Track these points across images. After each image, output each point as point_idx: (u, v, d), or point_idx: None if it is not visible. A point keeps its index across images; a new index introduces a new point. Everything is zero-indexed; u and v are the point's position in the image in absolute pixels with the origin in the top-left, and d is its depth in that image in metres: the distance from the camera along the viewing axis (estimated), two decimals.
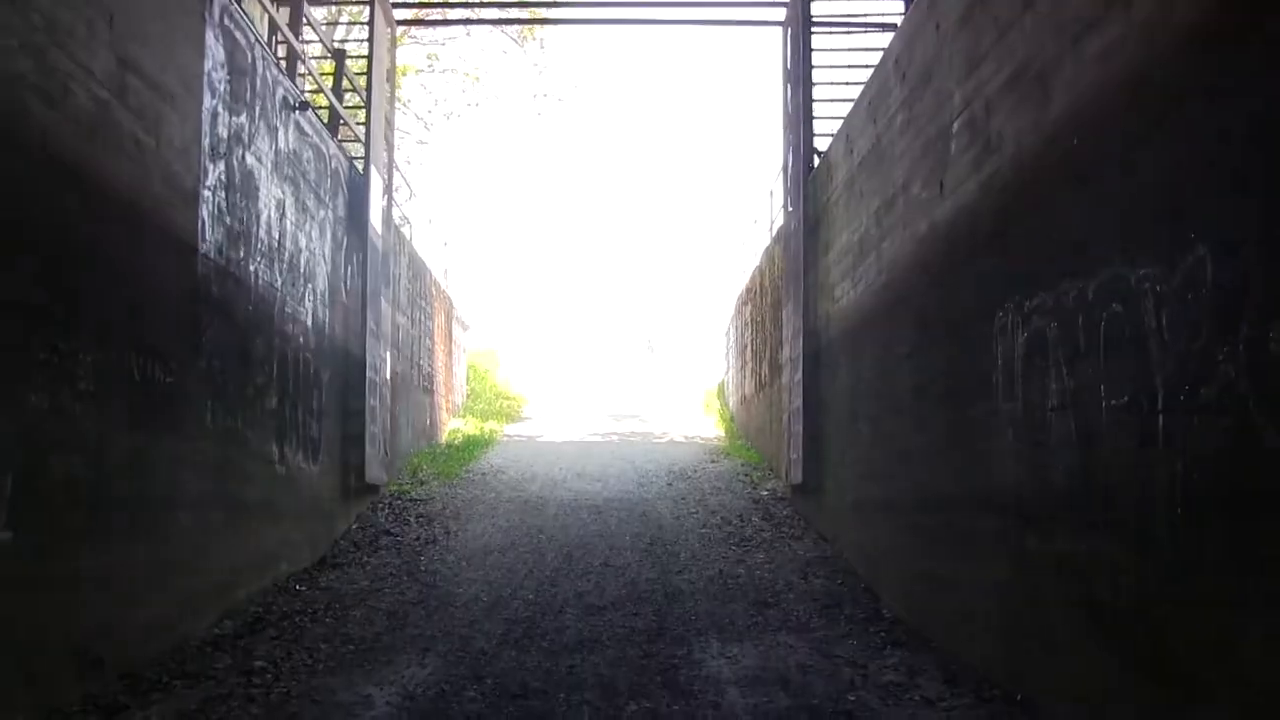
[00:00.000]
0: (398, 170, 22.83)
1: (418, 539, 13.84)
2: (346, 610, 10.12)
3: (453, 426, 26.61)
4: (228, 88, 9.67)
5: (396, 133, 28.90)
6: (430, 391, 23.48)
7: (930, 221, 9.30)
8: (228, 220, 9.64)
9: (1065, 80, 6.60)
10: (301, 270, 12.10)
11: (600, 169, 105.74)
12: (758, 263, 23.08)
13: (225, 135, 9.62)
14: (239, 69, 10.02)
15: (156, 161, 8.15)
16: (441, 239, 28.73)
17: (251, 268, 10.35)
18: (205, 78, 9.14)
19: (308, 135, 12.46)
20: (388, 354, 16.40)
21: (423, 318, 22.21)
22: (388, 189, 16.69)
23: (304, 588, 11.02)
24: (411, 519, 15.15)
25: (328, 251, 13.31)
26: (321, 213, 13.07)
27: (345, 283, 14.19)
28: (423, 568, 12.25)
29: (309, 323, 12.38)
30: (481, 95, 29.32)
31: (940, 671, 7.92)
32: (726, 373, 32.16)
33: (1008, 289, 7.40)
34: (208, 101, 9.18)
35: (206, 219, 9.11)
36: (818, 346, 14.43)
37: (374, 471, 15.06)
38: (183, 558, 8.54)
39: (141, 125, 7.87)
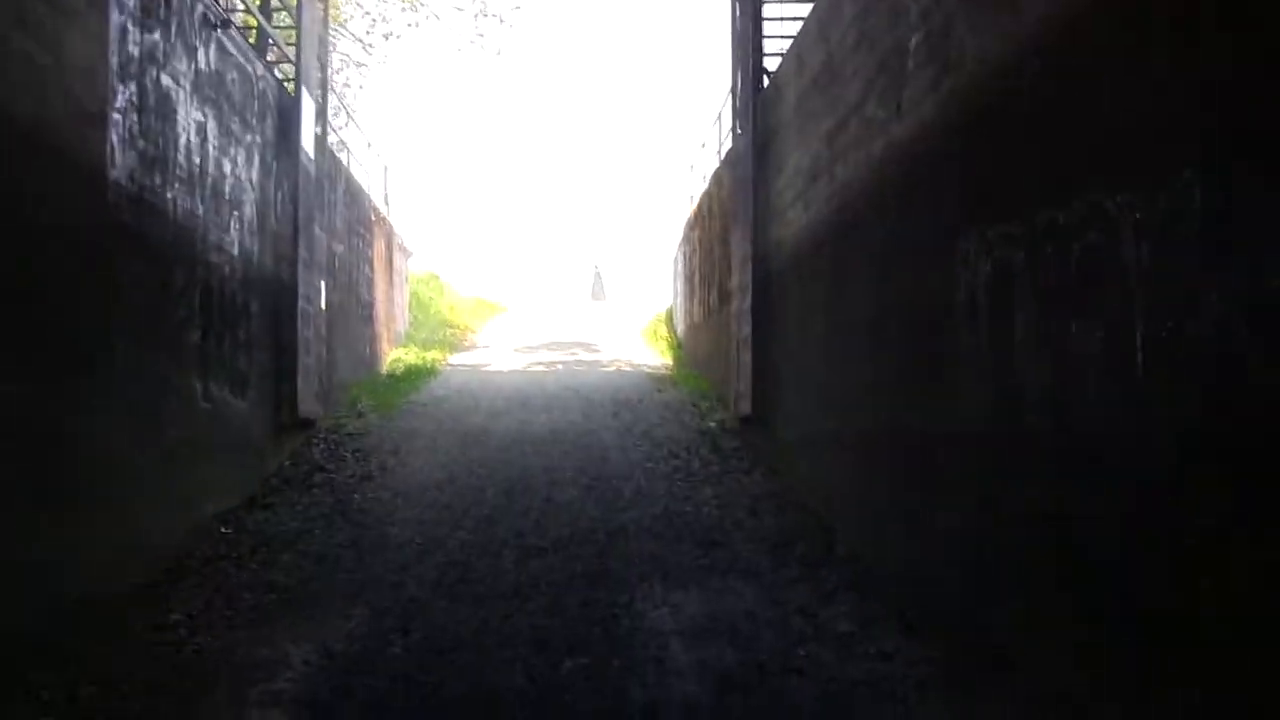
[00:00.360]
0: (334, 94, 22.23)
1: (352, 475, 13.40)
2: (273, 555, 9.74)
3: (395, 356, 26.03)
4: (138, 3, 9.07)
5: (334, 55, 28.37)
6: (370, 320, 22.93)
7: (886, 142, 8.89)
8: (141, 145, 9.06)
9: None
10: (226, 197, 11.54)
11: (547, 94, 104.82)
12: (705, 187, 22.66)
13: (136, 54, 9.01)
14: None
15: (55, 82, 7.59)
16: (382, 164, 28.13)
17: (170, 195, 9.78)
18: None
19: (231, 55, 11.85)
20: (322, 283, 15.88)
21: (361, 245, 21.62)
22: (321, 113, 16.10)
23: (231, 530, 10.59)
24: (347, 454, 14.70)
25: (255, 177, 12.74)
26: (248, 137, 12.49)
27: (275, 210, 13.64)
28: (356, 507, 11.86)
29: (235, 252, 11.83)
30: (421, 17, 28.41)
31: (897, 620, 7.60)
32: (675, 299, 31.72)
33: (971, 215, 7.01)
34: (115, 17, 8.56)
35: (116, 143, 8.54)
36: (768, 273, 14.06)
37: (308, 405, 14.59)
38: (93, 505, 8.04)
39: (36, 42, 7.32)
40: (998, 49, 6.65)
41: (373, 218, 23.39)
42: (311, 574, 9.15)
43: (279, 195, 13.80)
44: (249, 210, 12.40)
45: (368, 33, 28.26)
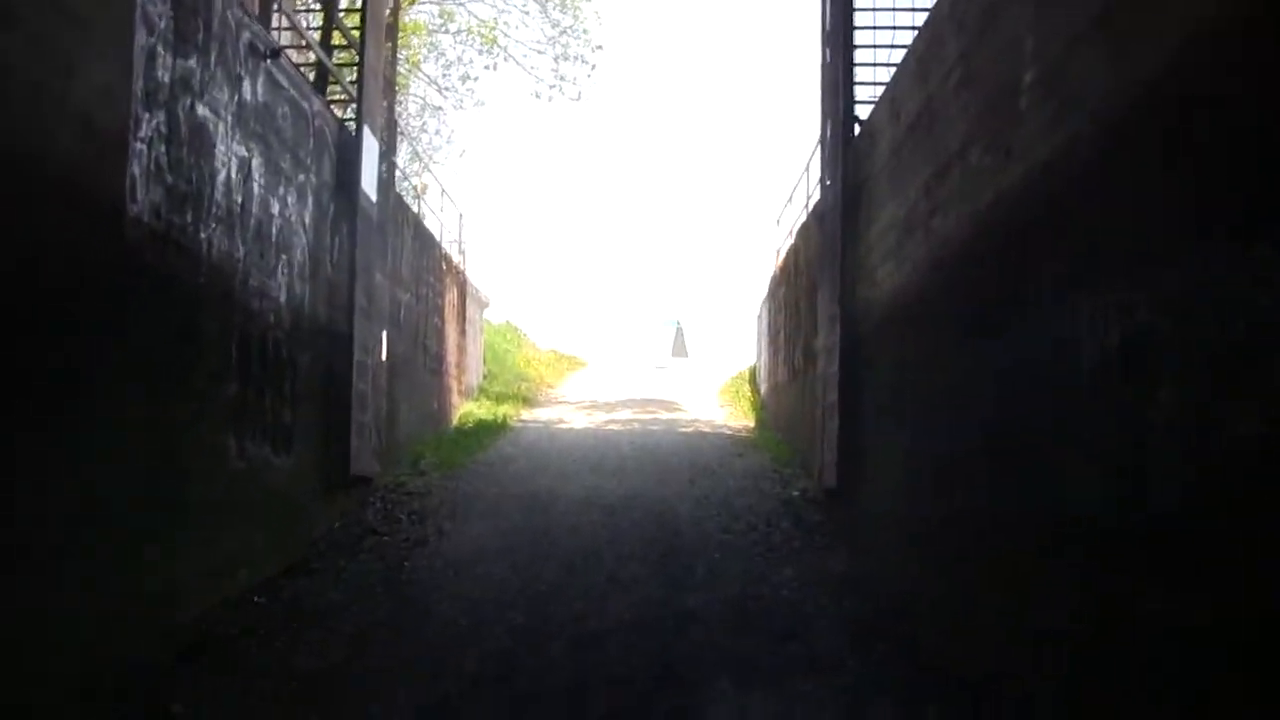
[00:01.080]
0: (405, 137, 21.61)
1: (406, 540, 12.59)
2: (302, 632, 8.88)
3: (466, 410, 25.39)
4: (171, 24, 8.33)
5: (409, 98, 27.87)
6: (439, 373, 22.24)
7: (995, 191, 7.96)
8: (169, 179, 8.31)
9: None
10: (273, 240, 10.82)
11: (629, 143, 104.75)
12: (792, 242, 21.82)
13: (167, 80, 8.28)
14: (187, 4, 8.70)
15: (63, 107, 6.86)
16: (457, 211, 27.52)
17: (203, 235, 9.03)
18: (139, 10, 7.83)
19: (283, 88, 11.17)
20: (384, 333, 15.16)
21: (431, 294, 20.96)
22: (386, 154, 15.43)
23: (264, 600, 9.76)
24: (403, 516, 13.90)
25: (309, 220, 12.04)
26: (301, 176, 11.79)
27: (331, 255, 12.93)
28: (404, 578, 11.01)
29: (282, 299, 11.10)
30: (499, 59, 27.91)
31: None
32: (758, 358, 30.89)
33: (1093, 271, 6.06)
34: (142, 38, 7.86)
35: (139, 176, 7.80)
36: (856, 336, 13.14)
37: (363, 463, 13.83)
38: (92, 576, 7.23)
39: (40, 62, 6.58)
40: (1134, 77, 5.72)
41: (444, 266, 22.76)
42: (340, 658, 8.28)
43: (335, 240, 13.10)
44: (299, 254, 11.68)
45: (444, 74, 27.74)
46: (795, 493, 15.92)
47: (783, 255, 24.03)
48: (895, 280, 11.14)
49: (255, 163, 10.26)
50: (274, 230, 10.84)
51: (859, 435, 12.83)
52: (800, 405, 18.91)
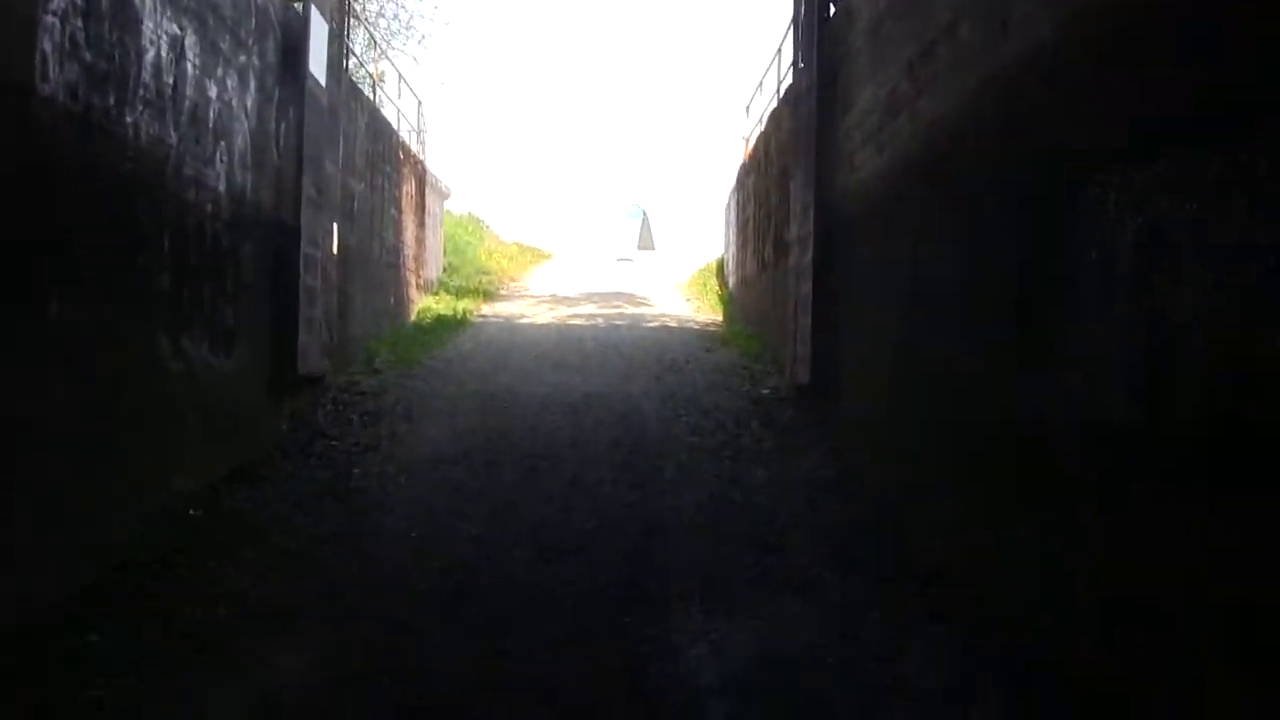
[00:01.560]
0: (358, 21, 20.83)
1: (356, 444, 12.05)
2: (236, 550, 8.29)
3: (425, 305, 24.73)
4: None
5: None
6: (396, 267, 21.55)
7: (988, 70, 7.37)
8: (87, 57, 7.62)
9: None
10: (210, 125, 10.10)
11: (597, 31, 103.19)
12: (762, 128, 21.18)
13: None
14: None
15: None
16: (415, 99, 26.64)
17: (129, 119, 8.33)
18: None
19: None
20: (335, 225, 14.48)
21: (387, 184, 20.21)
22: (338, 35, 14.65)
23: (201, 513, 9.16)
24: (355, 417, 13.37)
25: (251, 104, 11.33)
26: (242, 57, 11.07)
27: (277, 142, 12.25)
28: (353, 485, 10.48)
29: (221, 188, 10.42)
30: None
31: (1006, 671, 6.05)
32: (726, 250, 30.31)
33: (1108, 154, 5.50)
34: None
35: (50, 53, 7.13)
36: (832, 225, 12.59)
37: (313, 362, 13.24)
38: (15, 496, 6.68)
39: None
40: None
41: (401, 155, 22.00)
42: (279, 581, 7.75)
43: (281, 126, 12.41)
44: (241, 141, 10.99)
45: None
46: (766, 390, 15.45)
47: (752, 143, 23.41)
48: (876, 165, 10.57)
49: (189, 41, 9.52)
50: (211, 115, 10.12)
51: (835, 330, 12.33)
52: (771, 299, 18.39)
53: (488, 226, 42.34)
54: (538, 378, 16.56)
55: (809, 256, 13.17)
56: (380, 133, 19.46)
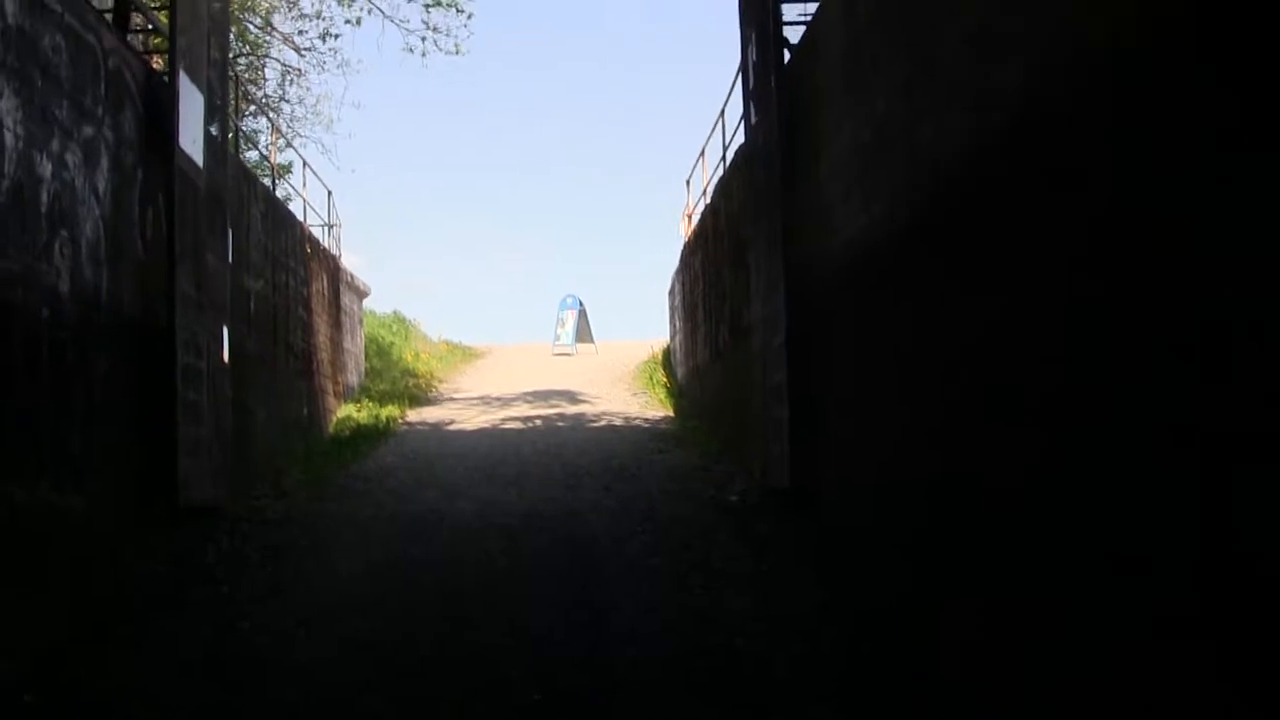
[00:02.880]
0: (250, 101, 19.30)
1: (249, 591, 10.20)
2: None
3: (343, 415, 22.98)
4: None
5: (269, 64, 25.37)
6: (307, 374, 19.80)
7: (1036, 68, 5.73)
8: None
9: None
10: (43, 210, 8.43)
11: (521, 104, 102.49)
12: (707, 201, 19.68)
13: None
14: None
15: None
16: (324, 188, 25.03)
17: None
18: None
19: (53, 11, 8.77)
20: (225, 329, 12.75)
21: (292, 282, 18.50)
22: (220, 109, 12.97)
23: (33, 699, 7.32)
24: (253, 553, 11.51)
25: (103, 187, 9.67)
26: (88, 130, 9.40)
27: (142, 232, 10.59)
28: (234, 649, 8.59)
29: (63, 288, 8.72)
30: (362, 11, 25.11)
31: None
32: (673, 338, 28.82)
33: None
34: None
35: None
36: (807, 299, 10.98)
37: (200, 490, 11.48)
38: None
39: None
40: None
41: (308, 249, 20.29)
42: None
43: (148, 213, 10.76)
44: (91, 230, 9.31)
45: (300, 33, 25.08)
46: (733, 497, 13.75)
47: (696, 219, 21.96)
48: (863, 222, 8.94)
49: (5, 105, 7.87)
50: (44, 197, 8.44)
51: (819, 423, 10.66)
52: (729, 389, 16.80)
53: (414, 326, 40.67)
54: (468, 494, 14.76)
55: (779, 338, 11.56)
56: (282, 224, 17.78)
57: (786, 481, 11.42)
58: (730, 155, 16.99)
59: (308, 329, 19.84)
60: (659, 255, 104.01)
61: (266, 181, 18.25)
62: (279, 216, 17.60)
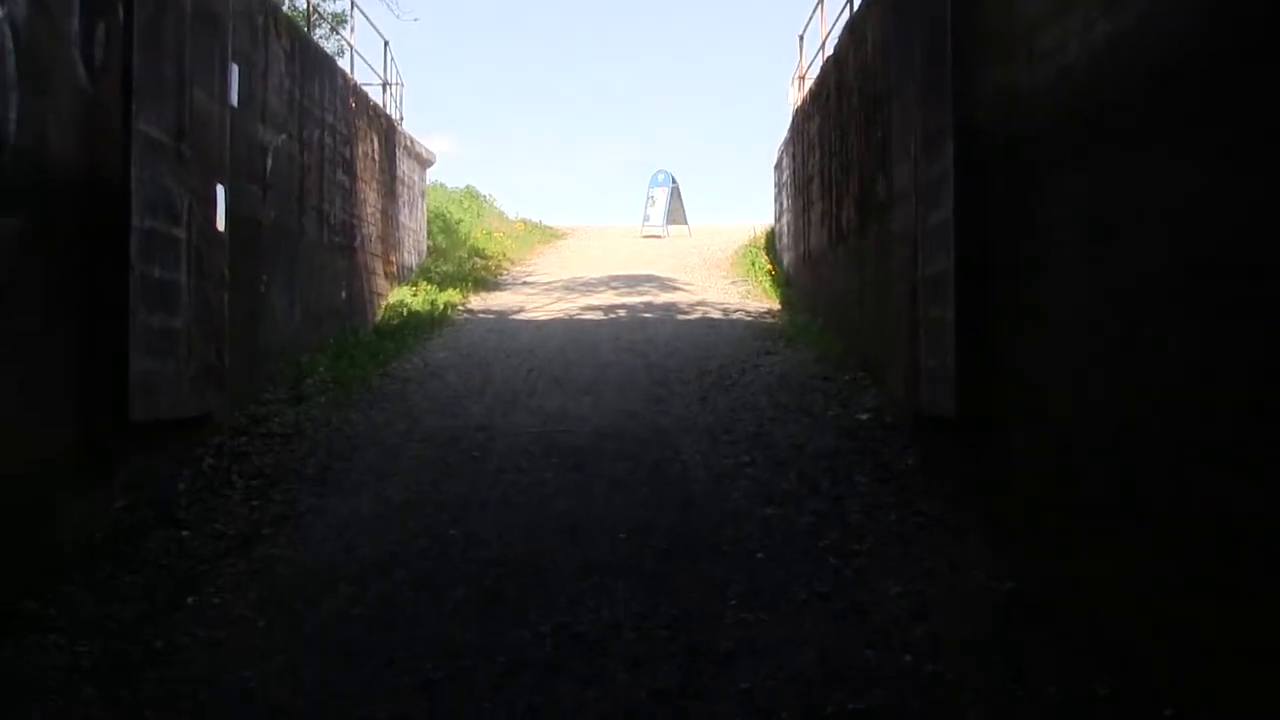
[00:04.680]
0: None
1: (213, 544, 7.81)
2: None
3: (396, 299, 20.54)
4: None
5: None
6: (349, 250, 17.32)
7: None
8: None
9: None
10: None
11: None
12: (830, 54, 16.90)
13: None
14: None
15: None
16: (379, 36, 22.47)
17: None
18: None
19: None
20: (219, 188, 10.25)
21: (330, 139, 15.93)
22: None
23: None
24: (238, 481, 9.18)
25: None
26: None
27: (87, 53, 8.10)
28: (168, 638, 6.21)
29: None
30: None
31: None
32: (778, 220, 26.09)
33: None
34: None
35: None
36: (984, 158, 8.27)
37: (169, 398, 9.00)
38: None
39: None
40: None
41: (354, 104, 17.74)
42: None
43: (96, 27, 8.26)
44: None
45: None
46: (864, 415, 11.20)
47: (814, 76, 19.18)
48: (1101, 34, 6.23)
49: None
50: None
51: (1006, 330, 7.99)
52: (854, 280, 14.13)
53: (488, 201, 38.20)
54: (528, 403, 12.35)
55: (942, 213, 8.87)
56: (317, 69, 15.21)
57: (950, 405, 8.76)
58: None
59: (350, 197, 17.34)
60: (759, 132, 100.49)
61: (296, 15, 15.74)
62: (312, 59, 15.00)
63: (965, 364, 8.43)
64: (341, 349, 14.96)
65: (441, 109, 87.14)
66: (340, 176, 16.69)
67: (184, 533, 7.96)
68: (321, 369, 13.51)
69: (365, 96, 19.12)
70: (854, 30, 14.38)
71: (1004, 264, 7.92)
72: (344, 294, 16.86)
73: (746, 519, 8.19)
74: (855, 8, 14.70)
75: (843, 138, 15.20)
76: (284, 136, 13.36)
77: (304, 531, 8.06)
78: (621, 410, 11.92)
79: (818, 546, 7.57)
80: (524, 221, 38.11)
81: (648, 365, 14.60)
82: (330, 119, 15.97)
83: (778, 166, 25.87)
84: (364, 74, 19.86)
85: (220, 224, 10.30)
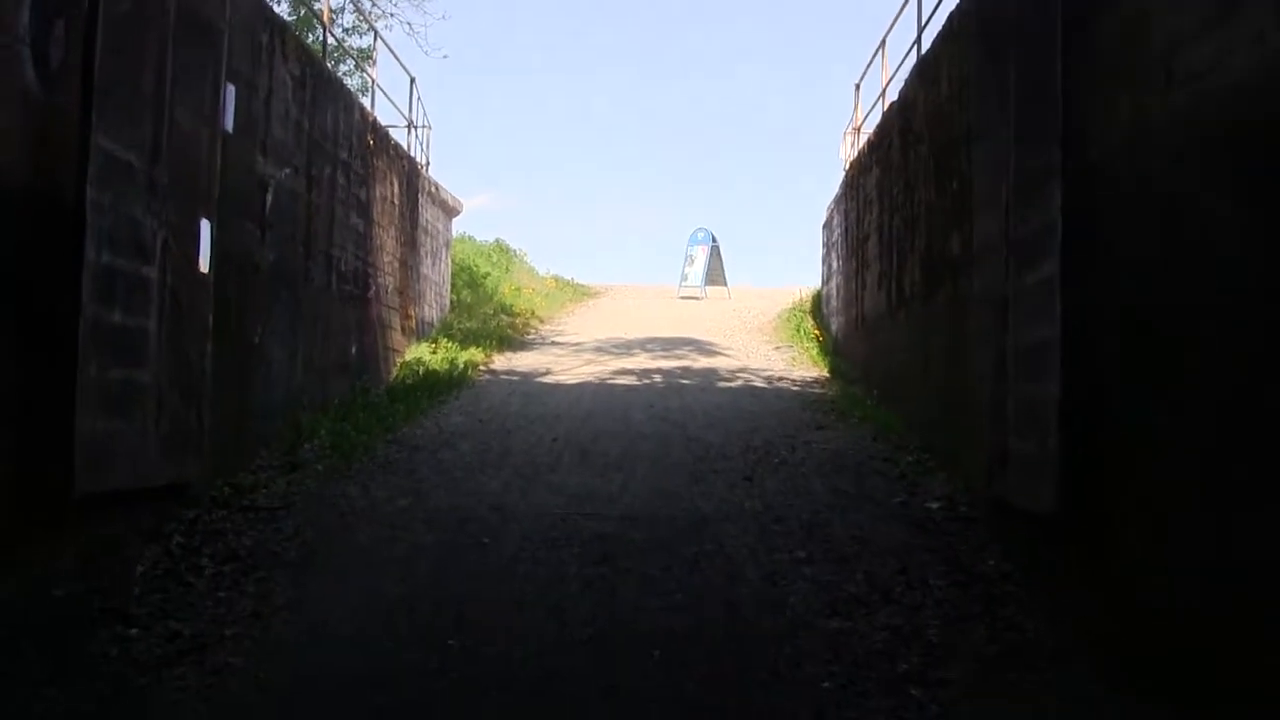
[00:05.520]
0: None
1: (172, 638, 6.61)
2: None
3: (414, 355, 19.41)
4: None
5: None
6: (363, 301, 16.20)
7: None
8: None
9: None
10: None
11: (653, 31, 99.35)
12: (892, 101, 15.77)
13: None
14: None
15: None
16: (406, 73, 21.43)
17: None
18: None
19: None
20: (204, 224, 9.10)
21: (342, 178, 14.83)
22: None
23: None
24: (208, 565, 7.95)
25: None
26: None
27: (41, 54, 6.99)
28: None
29: None
30: None
31: None
32: (828, 282, 24.99)
33: None
34: None
35: None
36: (1109, 200, 7.03)
37: (127, 466, 7.80)
38: None
39: None
40: None
41: (372, 143, 16.64)
42: None
43: (54, 25, 7.15)
44: None
45: None
46: (934, 503, 9.93)
47: (872, 128, 18.06)
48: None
49: None
50: None
51: (1127, 405, 6.71)
52: (919, 347, 12.92)
53: (519, 256, 37.24)
54: (550, 479, 11.06)
55: (1044, 270, 7.63)
56: (330, 100, 14.12)
57: (1048, 496, 7.48)
58: (932, 26, 13.14)
59: (365, 243, 16.20)
60: (804, 191, 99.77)
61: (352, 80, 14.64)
62: (325, 88, 13.88)
63: (1071, 447, 7.16)
64: (348, 410, 13.77)
65: (480, 165, 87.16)
66: (354, 219, 15.57)
67: (132, 630, 6.73)
68: (323, 432, 12.31)
69: (386, 135, 18.06)
70: (924, 71, 13.22)
71: (1131, 324, 6.66)
72: (354, 348, 15.68)
73: (807, 633, 6.92)
74: (924, 47, 13.58)
75: (907, 191, 14.01)
76: (288, 171, 12.23)
77: (273, 634, 6.82)
78: (656, 490, 10.66)
79: (896, 672, 6.30)
80: (555, 278, 37.08)
81: (685, 438, 13.34)
82: (344, 156, 14.87)
83: (827, 225, 24.79)
84: (389, 115, 18.90)
85: (204, 264, 9.14)
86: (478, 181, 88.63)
